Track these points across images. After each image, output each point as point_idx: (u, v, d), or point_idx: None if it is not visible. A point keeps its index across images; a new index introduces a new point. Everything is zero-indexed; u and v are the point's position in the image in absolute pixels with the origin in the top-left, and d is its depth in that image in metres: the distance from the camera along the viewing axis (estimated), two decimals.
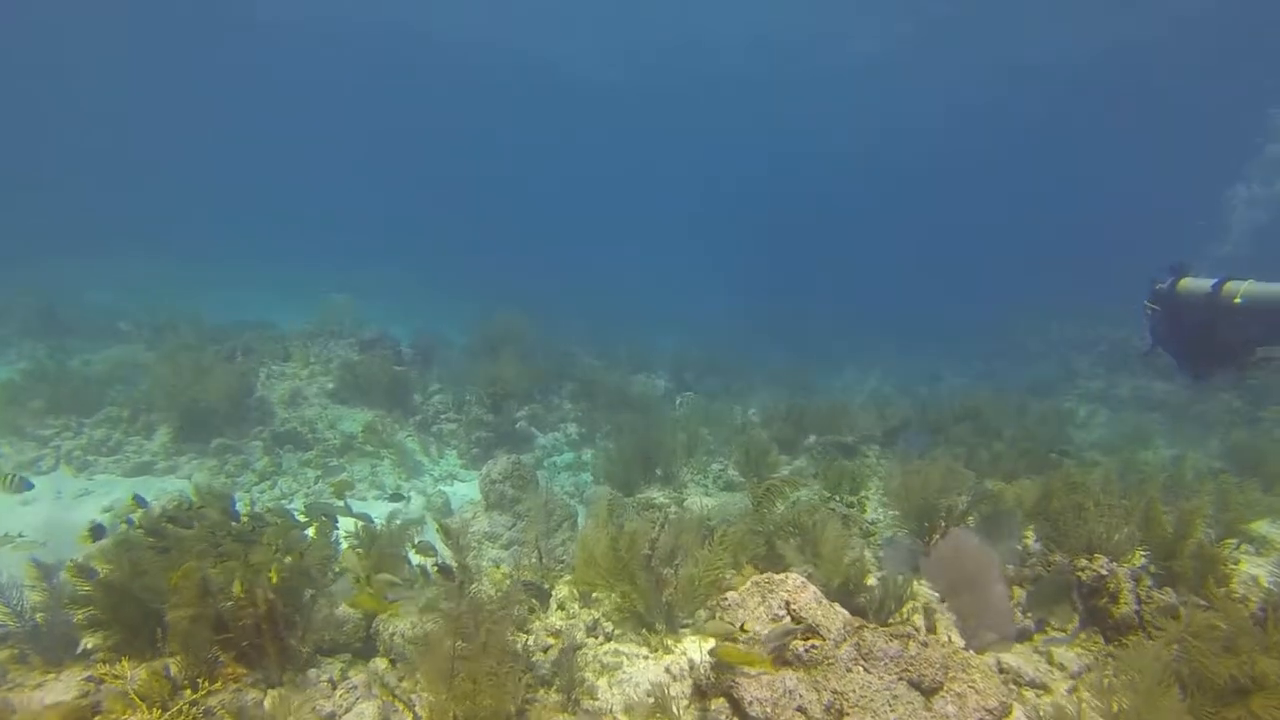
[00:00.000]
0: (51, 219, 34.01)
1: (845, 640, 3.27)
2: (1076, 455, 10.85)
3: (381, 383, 11.49)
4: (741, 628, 3.27)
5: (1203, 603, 4.86)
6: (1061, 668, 4.35)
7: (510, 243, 50.61)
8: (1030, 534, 6.16)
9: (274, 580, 4.30)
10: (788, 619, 3.41)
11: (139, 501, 5.39)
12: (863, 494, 8.58)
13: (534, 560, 6.62)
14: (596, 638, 5.11)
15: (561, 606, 5.73)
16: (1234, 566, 5.28)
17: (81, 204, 41.30)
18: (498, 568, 6.01)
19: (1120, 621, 4.63)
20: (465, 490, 9.99)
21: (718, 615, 3.60)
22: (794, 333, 26.74)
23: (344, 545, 6.63)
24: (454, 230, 52.10)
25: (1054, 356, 21.16)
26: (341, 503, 6.54)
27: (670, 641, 4.75)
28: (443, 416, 11.56)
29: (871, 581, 5.13)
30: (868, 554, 6.80)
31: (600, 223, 63.97)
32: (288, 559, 4.92)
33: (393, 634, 5.11)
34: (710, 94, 40.28)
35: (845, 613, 3.50)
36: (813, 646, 3.25)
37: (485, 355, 14.04)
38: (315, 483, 9.39)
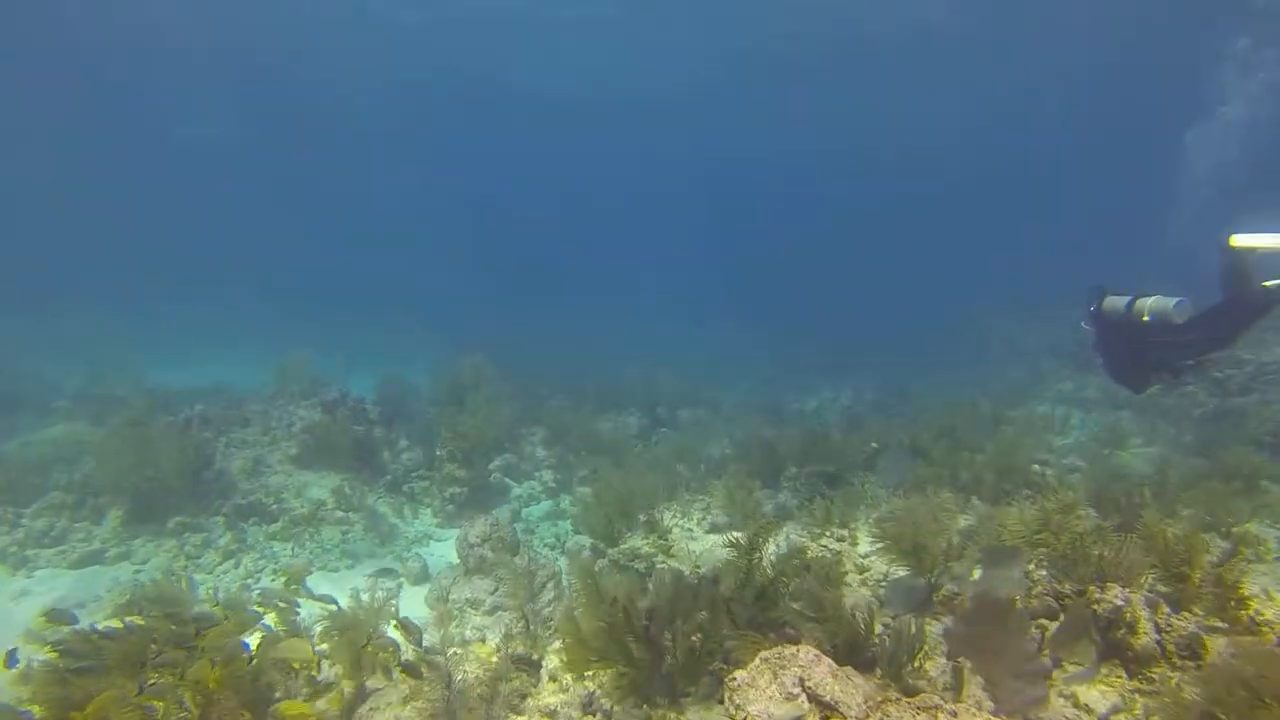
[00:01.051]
0: None
1: (868, 717, 3.00)
2: (1056, 465, 10.82)
3: (347, 444, 11.02)
4: None
5: (1223, 627, 4.71)
6: (1089, 710, 4.12)
7: (469, 276, 50.02)
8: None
9: (212, 686, 3.87)
10: (803, 697, 3.12)
11: (56, 617, 4.90)
12: (853, 526, 8.36)
13: (521, 627, 6.25)
14: (594, 716, 4.76)
15: (554, 678, 5.37)
16: (1242, 578, 5.15)
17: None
18: (484, 643, 5.63)
19: (1141, 653, 4.42)
20: (442, 550, 9.54)
21: (727, 698, 3.30)
22: (764, 350, 26.76)
23: (317, 630, 6.19)
24: (412, 271, 51.14)
25: (1023, 360, 21.37)
26: (296, 586, 6.09)
27: (674, 716, 4.42)
28: (414, 475, 11.11)
29: (878, 628, 4.86)
30: (865, 592, 6.57)
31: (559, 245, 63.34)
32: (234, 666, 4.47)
33: None
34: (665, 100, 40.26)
35: (865, 683, 3.23)
36: None
37: (452, 406, 13.64)
38: (290, 555, 8.88)
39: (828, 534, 8.02)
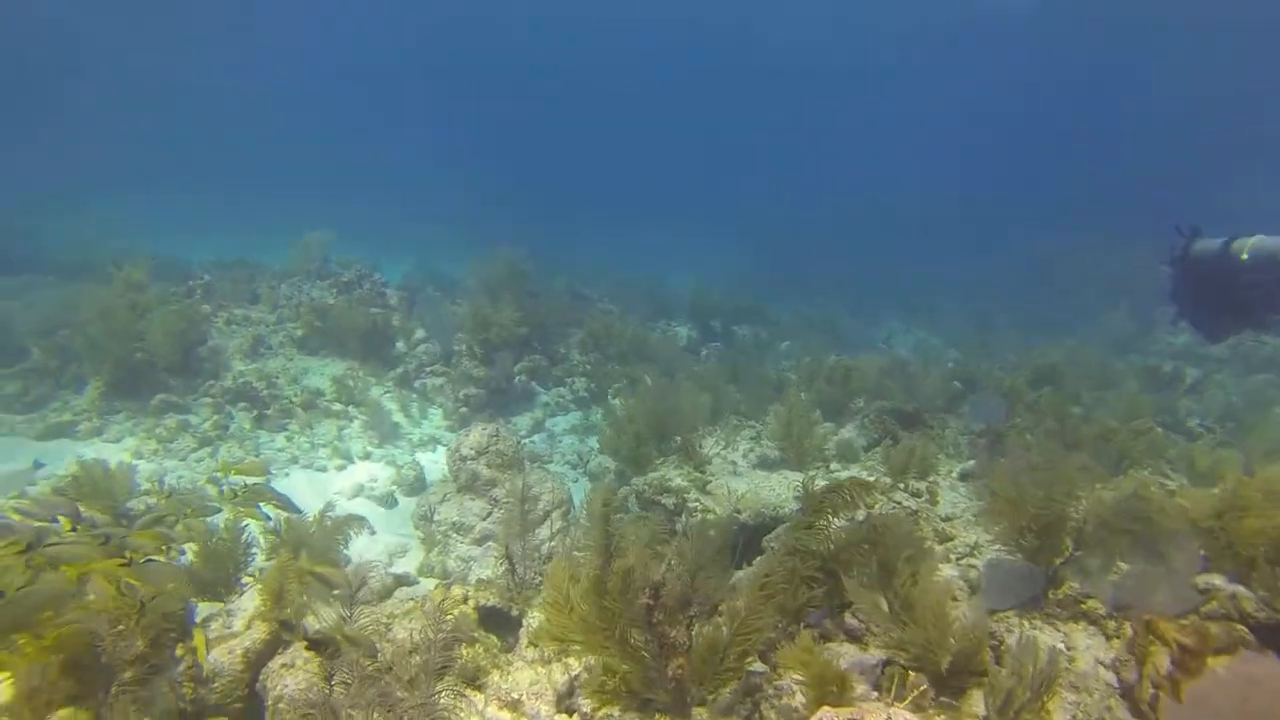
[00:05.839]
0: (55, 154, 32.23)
1: None
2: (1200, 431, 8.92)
3: (358, 329, 9.86)
4: None
5: None
6: None
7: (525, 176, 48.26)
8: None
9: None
10: None
11: None
12: (933, 479, 6.84)
13: (503, 569, 5.03)
14: (569, 716, 3.51)
15: (534, 644, 4.14)
16: None
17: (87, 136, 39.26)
18: (447, 589, 4.42)
19: None
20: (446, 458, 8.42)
21: None
22: (825, 276, 24.49)
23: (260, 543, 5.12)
24: (474, 168, 49.40)
25: (1122, 303, 18.78)
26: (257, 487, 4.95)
27: None
28: (428, 370, 9.93)
29: (988, 656, 3.40)
30: (950, 571, 5.11)
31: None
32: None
33: (279, 699, 3.56)
34: None
35: None
36: None
37: (483, 298, 12.37)
38: (283, 446, 7.93)
39: (902, 486, 6.52)
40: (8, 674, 2.97)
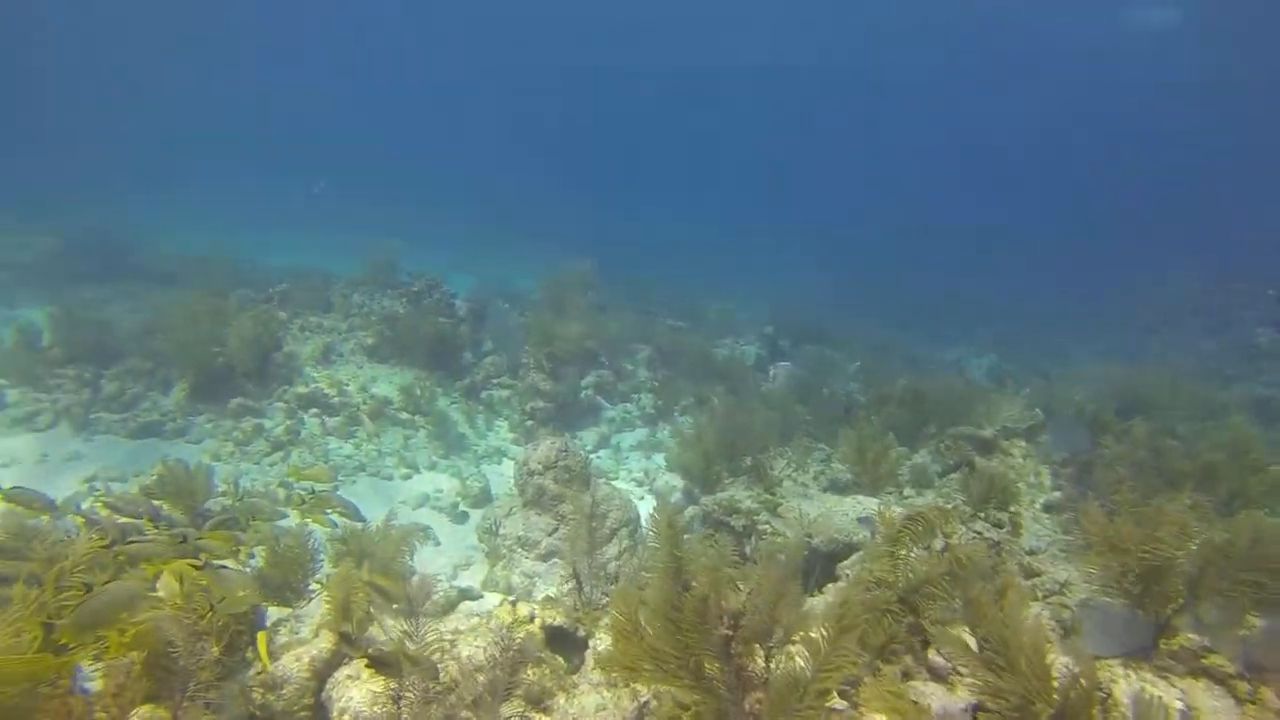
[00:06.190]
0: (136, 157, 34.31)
1: None
2: None
3: (427, 339, 10.02)
4: None
5: None
6: None
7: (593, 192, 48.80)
8: None
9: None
10: None
11: (19, 498, 4.00)
12: (1014, 509, 6.46)
13: (569, 587, 4.95)
14: None
15: (602, 666, 4.02)
16: None
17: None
18: (513, 606, 4.35)
19: None
20: (513, 471, 8.43)
21: None
22: (895, 301, 23.81)
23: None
24: (542, 180, 50.15)
25: (1223, 332, 17.63)
26: (323, 495, 5.02)
27: None
28: (494, 381, 10.01)
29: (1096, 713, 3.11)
30: (1037, 609, 4.78)
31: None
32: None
33: (343, 711, 3.54)
34: None
35: None
36: None
37: (550, 312, 12.43)
38: (351, 453, 8.09)
39: (982, 515, 6.17)
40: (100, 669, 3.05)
